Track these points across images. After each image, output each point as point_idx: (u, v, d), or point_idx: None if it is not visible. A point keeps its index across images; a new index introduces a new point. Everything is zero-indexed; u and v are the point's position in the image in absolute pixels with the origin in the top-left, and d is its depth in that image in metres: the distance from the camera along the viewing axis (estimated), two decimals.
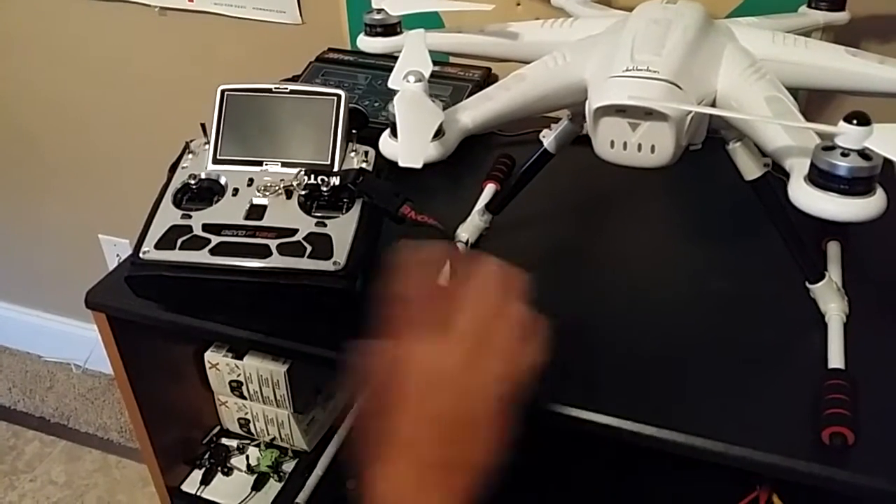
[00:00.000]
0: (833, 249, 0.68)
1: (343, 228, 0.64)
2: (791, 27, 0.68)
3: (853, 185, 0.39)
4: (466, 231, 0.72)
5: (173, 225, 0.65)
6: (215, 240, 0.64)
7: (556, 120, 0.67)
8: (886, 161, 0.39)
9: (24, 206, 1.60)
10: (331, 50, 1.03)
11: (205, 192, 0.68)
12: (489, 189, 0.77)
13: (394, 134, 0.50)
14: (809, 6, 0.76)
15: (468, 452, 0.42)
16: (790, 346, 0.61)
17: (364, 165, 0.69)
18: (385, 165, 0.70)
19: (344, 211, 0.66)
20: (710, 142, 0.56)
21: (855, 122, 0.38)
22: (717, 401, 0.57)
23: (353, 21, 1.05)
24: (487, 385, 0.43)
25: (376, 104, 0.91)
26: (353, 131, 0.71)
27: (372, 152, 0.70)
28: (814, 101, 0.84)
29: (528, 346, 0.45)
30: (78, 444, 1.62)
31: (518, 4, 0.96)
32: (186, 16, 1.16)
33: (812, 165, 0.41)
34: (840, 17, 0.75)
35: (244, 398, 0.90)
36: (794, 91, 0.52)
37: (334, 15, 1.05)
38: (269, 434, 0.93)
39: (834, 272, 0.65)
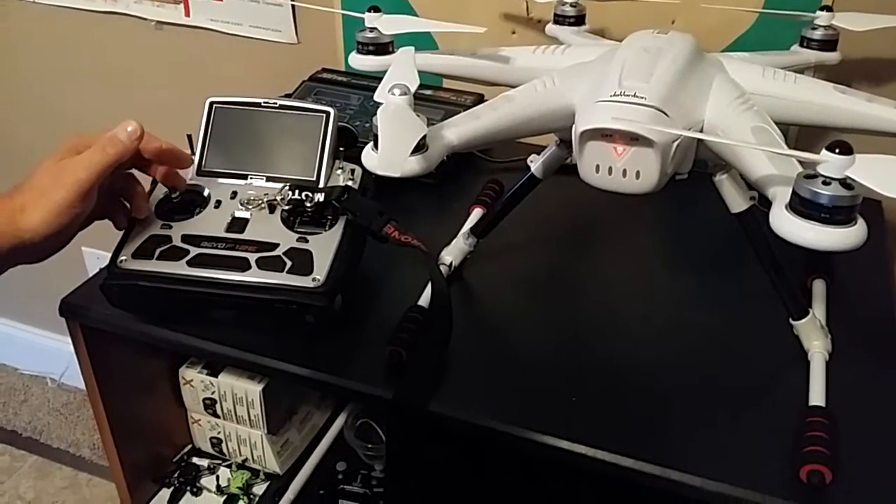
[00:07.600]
0: (818, 287, 0.68)
1: (325, 245, 0.64)
2: (782, 64, 0.67)
3: (834, 214, 0.39)
4: (450, 254, 0.72)
5: (152, 234, 0.65)
6: (194, 251, 0.63)
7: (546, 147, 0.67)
8: (874, 200, 0.39)
9: None
10: (325, 70, 1.03)
11: (187, 204, 0.67)
12: (476, 213, 0.76)
13: (376, 146, 0.49)
14: (801, 45, 0.76)
15: None
16: (772, 382, 0.61)
17: (350, 183, 0.68)
18: (371, 185, 0.70)
19: (327, 228, 0.65)
20: (698, 175, 0.55)
21: (837, 151, 0.38)
22: (697, 434, 0.56)
23: (347, 42, 1.05)
24: None
25: (367, 125, 0.91)
26: (341, 149, 0.70)
27: (359, 171, 0.69)
28: (803, 138, 0.85)
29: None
30: (49, 459, 1.59)
31: (513, 33, 0.97)
32: (182, 31, 1.16)
33: (794, 193, 0.40)
34: (831, 56, 0.75)
35: (217, 417, 0.88)
36: (784, 127, 0.52)
37: (330, 36, 1.06)
38: (241, 455, 0.91)
39: (818, 309, 0.65)
